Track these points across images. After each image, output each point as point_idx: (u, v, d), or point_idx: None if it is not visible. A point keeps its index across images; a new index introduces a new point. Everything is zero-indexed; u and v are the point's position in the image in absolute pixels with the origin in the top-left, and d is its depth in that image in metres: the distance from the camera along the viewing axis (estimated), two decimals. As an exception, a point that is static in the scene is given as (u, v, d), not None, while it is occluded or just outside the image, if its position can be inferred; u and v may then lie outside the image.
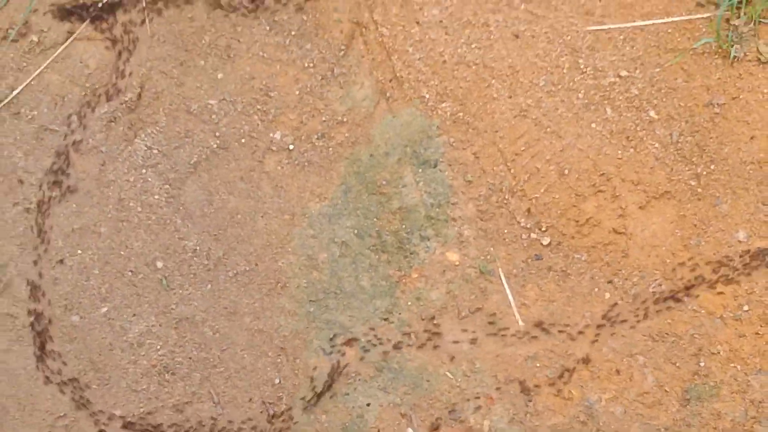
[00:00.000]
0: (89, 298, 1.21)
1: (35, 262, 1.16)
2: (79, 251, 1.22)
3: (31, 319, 1.14)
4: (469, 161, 1.23)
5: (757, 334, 1.17)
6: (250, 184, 1.23)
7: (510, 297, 1.19)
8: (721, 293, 1.16)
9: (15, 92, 1.20)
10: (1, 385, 1.16)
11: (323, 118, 1.23)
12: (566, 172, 1.21)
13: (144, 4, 1.21)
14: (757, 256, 1.17)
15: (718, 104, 1.20)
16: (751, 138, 1.20)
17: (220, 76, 1.22)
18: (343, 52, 1.23)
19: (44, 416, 1.16)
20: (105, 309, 1.19)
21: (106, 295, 1.20)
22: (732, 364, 1.16)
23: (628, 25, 1.22)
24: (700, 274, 1.17)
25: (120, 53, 1.20)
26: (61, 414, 1.17)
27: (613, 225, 1.21)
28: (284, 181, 1.22)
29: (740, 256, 1.15)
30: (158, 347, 1.18)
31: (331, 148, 1.22)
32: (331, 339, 1.17)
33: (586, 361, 1.17)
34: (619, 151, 1.21)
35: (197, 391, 1.18)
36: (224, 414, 1.17)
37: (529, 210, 1.19)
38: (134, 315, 1.19)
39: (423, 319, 1.19)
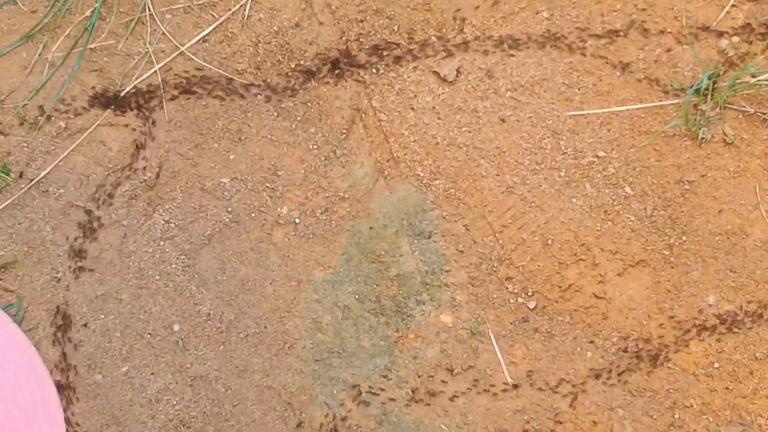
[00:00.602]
0: (111, 359, 2.12)
1: (60, 327, 2.14)
2: (102, 316, 2.13)
3: (57, 375, 2.10)
4: (461, 233, 2.20)
5: (726, 389, 2.12)
6: (260, 254, 2.17)
7: (499, 356, 2.13)
8: (693, 352, 2.13)
9: (44, 173, 2.17)
10: None
11: (326, 195, 2.20)
12: (550, 242, 2.19)
13: (162, 93, 2.23)
14: (725, 319, 2.15)
15: (688, 181, 2.20)
16: (719, 212, 2.19)
17: (231, 156, 2.20)
18: (344, 135, 2.23)
19: None
20: (125, 368, 2.11)
21: (127, 356, 2.11)
22: (704, 416, 2.11)
23: (605, 110, 2.23)
24: (674, 335, 2.15)
25: (140, 137, 2.21)
26: None
27: (593, 290, 2.17)
28: (291, 251, 2.17)
29: (710, 319, 2.15)
30: (174, 403, 2.10)
31: (333, 222, 2.19)
32: (334, 394, 2.11)
33: (571, 413, 2.13)
34: (598, 224, 2.20)
35: None
36: None
37: (516, 277, 2.18)
38: (152, 373, 2.11)
39: (419, 376, 2.13)
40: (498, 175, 2.24)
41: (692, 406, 2.15)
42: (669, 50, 2.27)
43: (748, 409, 2.14)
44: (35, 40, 2.31)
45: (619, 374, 2.16)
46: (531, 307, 2.19)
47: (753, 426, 2.14)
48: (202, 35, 2.30)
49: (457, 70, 2.30)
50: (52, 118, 2.27)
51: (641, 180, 2.24)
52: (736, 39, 2.29)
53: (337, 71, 2.30)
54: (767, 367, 2.15)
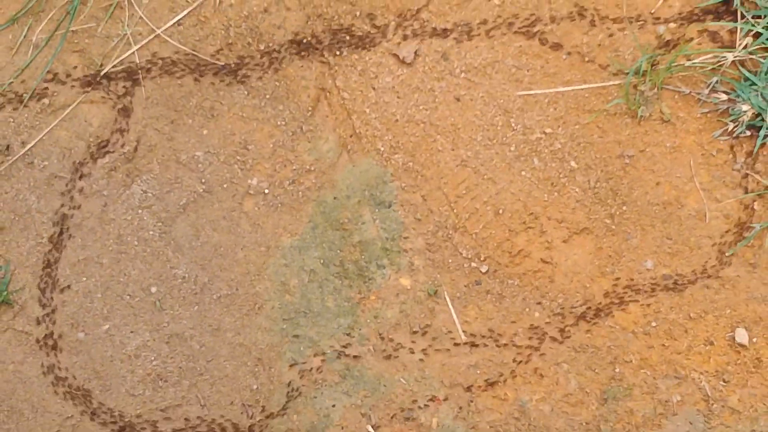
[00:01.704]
0: (92, 318, 2.29)
1: (45, 288, 2.32)
2: (84, 278, 2.31)
3: (41, 334, 2.28)
4: (419, 203, 2.39)
5: (663, 345, 2.32)
6: (231, 222, 2.35)
7: (454, 315, 2.34)
8: (631, 312, 2.34)
9: (29, 146, 2.35)
10: (17, 392, 2.22)
11: (294, 167, 2.39)
12: (501, 211, 2.39)
13: (139, 72, 2.40)
14: (661, 282, 2.35)
15: (628, 156, 2.41)
16: (657, 184, 2.39)
17: (205, 132, 2.38)
18: (310, 113, 2.42)
19: (54, 417, 2.22)
20: (106, 327, 2.29)
21: (108, 315, 2.29)
22: (642, 370, 2.31)
23: (552, 90, 2.43)
24: (615, 297, 2.36)
25: (119, 113, 2.38)
26: (69, 415, 2.23)
27: (540, 256, 2.37)
28: (260, 219, 2.36)
29: (648, 282, 2.36)
30: (152, 359, 2.28)
31: (300, 192, 2.38)
32: (301, 351, 2.30)
33: (519, 368, 2.35)
34: (545, 195, 2.39)
35: (186, 395, 2.26)
36: (209, 414, 2.25)
37: (469, 243, 2.40)
38: (131, 332, 2.29)
39: (380, 334, 2.33)
40: (453, 149, 2.50)
41: (631, 361, 2.40)
42: (611, 35, 2.53)
43: (683, 364, 2.40)
44: (20, 23, 2.52)
45: (563, 332, 2.42)
46: (483, 271, 2.44)
47: (687, 379, 2.39)
48: (176, 19, 2.53)
49: (415, 53, 2.55)
50: (37, 96, 2.50)
51: (585, 155, 2.50)
52: (672, 25, 2.55)
53: (303, 53, 2.54)
54: (700, 326, 2.42)
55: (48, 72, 2.51)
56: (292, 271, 2.41)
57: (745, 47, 2.50)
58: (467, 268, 2.44)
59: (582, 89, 2.53)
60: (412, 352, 2.39)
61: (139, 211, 2.43)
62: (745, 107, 2.49)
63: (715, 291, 2.42)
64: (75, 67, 2.50)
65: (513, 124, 2.50)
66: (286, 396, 2.36)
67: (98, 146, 2.47)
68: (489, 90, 2.52)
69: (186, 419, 2.34)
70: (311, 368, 2.38)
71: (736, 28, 2.51)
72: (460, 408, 2.37)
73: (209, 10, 2.54)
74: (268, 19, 2.54)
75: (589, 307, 2.42)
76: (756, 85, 2.49)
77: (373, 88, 2.52)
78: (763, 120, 2.48)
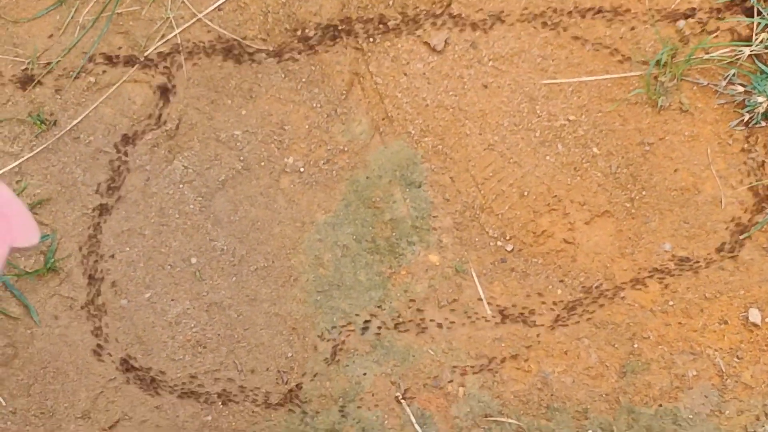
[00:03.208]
0: (135, 286, 2.43)
1: (90, 257, 2.48)
2: (127, 248, 2.45)
3: (86, 300, 2.44)
4: (447, 184, 2.56)
5: (679, 323, 2.48)
6: (268, 198, 2.50)
7: (480, 291, 2.51)
8: (650, 291, 2.51)
9: (75, 122, 2.49)
10: (63, 354, 2.34)
11: (328, 147, 2.55)
12: (526, 194, 2.56)
13: (181, 54, 2.55)
14: (679, 263, 2.52)
15: (648, 143, 2.59)
16: (675, 171, 2.56)
17: (243, 112, 2.54)
18: (344, 96, 2.59)
19: (97, 379, 2.35)
20: (148, 295, 2.44)
21: (149, 284, 2.44)
22: (660, 346, 2.48)
23: (575, 80, 2.61)
24: (634, 276, 2.52)
25: (161, 92, 2.53)
26: (112, 377, 2.37)
27: (563, 236, 2.54)
28: (296, 196, 2.51)
29: (666, 263, 2.54)
30: (192, 326, 2.44)
31: (334, 171, 2.54)
32: (334, 321, 2.46)
33: (542, 342, 2.52)
34: (569, 179, 2.56)
35: (224, 361, 2.40)
36: (246, 380, 2.40)
37: (495, 223, 2.58)
38: (172, 300, 2.44)
39: (409, 308, 2.49)
40: (480, 134, 2.75)
41: (649, 337, 2.64)
42: (633, 28, 2.78)
43: (698, 341, 2.65)
44: (68, 4, 2.73)
45: (585, 309, 2.67)
46: (508, 249, 2.69)
47: (702, 356, 2.64)
48: (217, 4, 2.77)
49: (445, 41, 2.80)
50: (83, 74, 2.75)
51: (607, 141, 2.75)
52: (691, 20, 2.81)
53: (338, 39, 2.79)
54: (715, 306, 2.66)
55: (94, 51, 2.74)
56: (325, 246, 2.65)
57: (761, 42, 2.75)
58: (493, 246, 2.67)
59: (604, 79, 2.77)
60: (440, 326, 2.64)
61: (180, 185, 2.66)
62: (760, 99, 2.74)
63: (729, 273, 2.66)
64: (120, 48, 2.73)
65: (538, 111, 2.75)
66: (319, 364, 2.60)
67: (141, 123, 2.71)
68: (515, 78, 2.77)
69: (224, 385, 2.57)
70: (343, 338, 2.62)
71: (753, 23, 2.78)
72: (486, 378, 2.61)
73: (249, -4, 2.78)
74: (305, 6, 2.79)
75: (610, 286, 2.67)
76: (771, 78, 2.73)
77: (405, 74, 2.76)
78: (778, 112, 2.72)
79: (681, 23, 2.73)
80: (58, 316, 2.50)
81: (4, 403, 2.40)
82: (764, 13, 2.69)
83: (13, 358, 2.48)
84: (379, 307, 2.54)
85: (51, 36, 2.69)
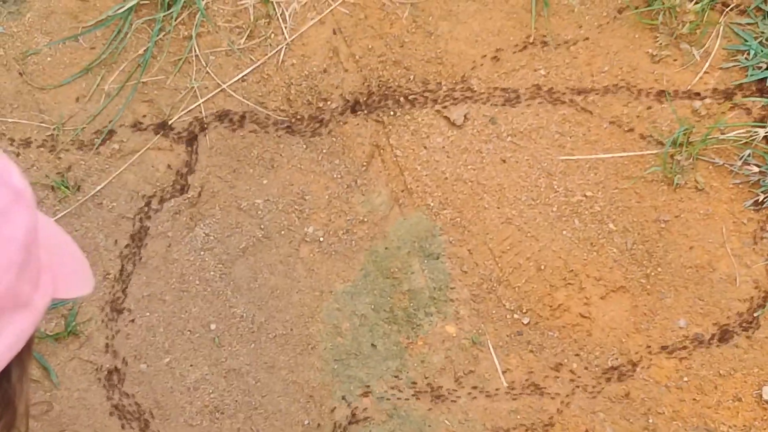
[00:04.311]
0: (155, 351, 2.49)
1: (110, 322, 2.56)
2: (147, 313, 2.50)
3: (106, 364, 2.48)
4: (465, 256, 2.64)
5: (694, 399, 2.51)
6: (288, 266, 2.57)
7: (496, 363, 2.58)
8: (664, 367, 2.57)
9: (98, 187, 2.56)
10: (81, 418, 2.36)
11: (348, 218, 2.64)
12: (542, 267, 2.64)
13: (204, 123, 2.63)
14: (694, 340, 2.57)
15: (663, 220, 2.67)
16: (690, 248, 2.65)
17: (265, 181, 2.61)
18: (364, 168, 2.67)
19: None
20: (167, 359, 2.49)
21: (169, 349, 2.50)
22: (674, 422, 2.53)
23: (592, 156, 2.70)
24: (649, 352, 2.58)
25: (184, 161, 2.61)
26: None
27: (579, 311, 2.61)
28: (315, 265, 2.57)
29: (681, 339, 2.61)
30: (210, 391, 2.49)
31: (353, 241, 2.62)
32: (351, 390, 2.52)
33: (558, 415, 2.59)
34: (585, 254, 2.64)
35: (242, 427, 2.44)
36: None
37: (512, 296, 2.68)
38: (191, 365, 2.49)
39: (426, 378, 2.54)
40: (498, 207, 2.90)
41: (664, 413, 2.77)
42: (649, 108, 2.95)
43: (712, 417, 2.77)
44: (93, 72, 2.88)
45: (600, 384, 2.81)
46: (525, 322, 2.82)
47: (716, 432, 2.76)
48: (241, 75, 2.94)
49: (465, 116, 2.95)
50: (107, 141, 2.92)
51: (623, 218, 2.90)
52: (707, 100, 2.98)
53: (359, 112, 2.95)
54: (729, 383, 2.80)
55: (119, 119, 2.91)
56: (344, 314, 2.79)
57: (766, 125, 2.94)
58: (510, 319, 2.82)
59: (621, 157, 2.93)
60: (457, 397, 2.77)
61: (201, 252, 2.80)
62: (774, 179, 2.88)
63: (744, 350, 2.79)
64: (144, 116, 2.87)
65: (555, 187, 2.90)
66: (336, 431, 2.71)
67: (164, 191, 2.87)
68: (533, 153, 2.93)
69: (240, 450, 2.68)
70: (360, 407, 2.75)
71: (768, 105, 2.92)
72: (501, 451, 2.72)
73: (272, 69, 2.95)
74: (327, 79, 2.96)
75: (625, 361, 2.82)
76: (786, 158, 2.89)
77: (425, 147, 2.92)
78: (791, 192, 2.88)
79: (697, 103, 2.89)
80: (77, 379, 2.64)
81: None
82: (779, 95, 2.84)
83: (32, 422, 2.61)
84: (395, 376, 2.67)
85: (77, 101, 2.84)
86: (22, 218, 1.18)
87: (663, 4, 2.86)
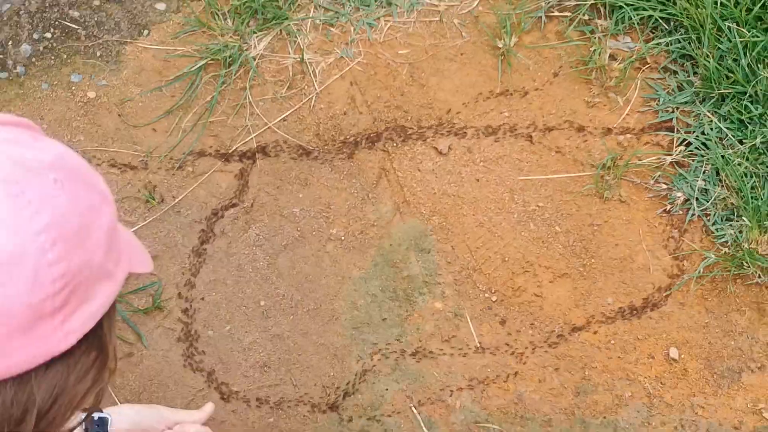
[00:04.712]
0: (219, 321, 2.51)
1: (186, 299, 2.60)
2: (213, 293, 2.53)
3: (182, 330, 2.55)
4: (449, 251, 2.67)
5: (618, 357, 2.44)
6: (317, 258, 2.60)
7: (472, 330, 2.60)
8: (597, 333, 2.60)
9: (176, 200, 2.61)
10: (164, 371, 2.32)
11: (362, 222, 2.67)
12: (506, 259, 2.66)
13: (255, 152, 2.67)
14: (618, 313, 2.57)
15: (596, 224, 2.66)
16: (616, 245, 2.65)
17: (300, 195, 2.63)
18: (374, 185, 2.71)
19: (189, 389, 2.42)
20: (228, 327, 2.54)
21: (229, 319, 2.53)
22: (604, 374, 2.52)
23: (543, 177, 2.67)
24: (586, 322, 2.61)
25: (241, 180, 2.65)
26: (200, 389, 2.44)
27: (534, 291, 2.63)
28: (338, 257, 2.61)
29: (609, 312, 2.62)
30: (260, 351, 2.51)
31: (366, 240, 2.65)
32: (365, 350, 2.56)
33: (518, 369, 2.62)
34: (538, 249, 2.66)
35: (283, 377, 2.47)
36: (299, 392, 2.46)
37: (484, 281, 2.71)
38: (246, 332, 2.52)
39: (420, 341, 2.57)
40: (474, 215, 2.96)
41: (596, 367, 2.81)
42: (585, 140, 3.00)
43: (632, 370, 2.81)
44: (173, 114, 2.94)
45: (549, 345, 2.86)
46: (493, 300, 2.87)
47: (635, 382, 2.78)
48: (282, 117, 2.98)
49: (449, 147, 3.02)
50: (184, 165, 2.97)
51: (566, 222, 2.96)
52: (628, 135, 3.04)
53: (370, 144, 3.02)
54: (644, 345, 2.84)
55: (192, 149, 2.97)
56: (359, 294, 2.84)
57: (678, 152, 3.00)
58: (482, 297, 2.86)
59: (564, 177, 2.99)
60: (443, 355, 2.83)
61: (253, 248, 2.85)
62: (678, 194, 2.94)
63: (655, 321, 2.83)
64: (210, 146, 2.93)
65: (516, 199, 2.95)
66: (353, 381, 2.79)
67: (225, 202, 2.92)
68: (499, 175, 2.99)
69: (283, 395, 2.75)
70: (371, 363, 2.80)
71: (673, 138, 3.02)
72: (476, 395, 2.80)
73: (306, 111, 3.00)
74: (346, 120, 3.01)
75: (568, 329, 2.87)
76: (687, 178, 2.97)
77: (419, 170, 2.98)
78: (691, 203, 2.96)
79: (621, 138, 2.94)
80: (161, 342, 2.70)
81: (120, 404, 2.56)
82: (681, 132, 2.92)
83: (127, 374, 2.66)
84: (397, 340, 2.71)
85: (162, 136, 2.90)
86: (108, 214, 1.21)
87: (595, 64, 2.91)
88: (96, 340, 1.24)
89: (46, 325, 1.11)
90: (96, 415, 2.20)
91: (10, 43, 2.78)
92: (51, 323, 1.12)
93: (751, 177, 2.72)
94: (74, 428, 1.53)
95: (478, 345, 2.73)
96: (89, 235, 1.16)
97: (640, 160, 2.91)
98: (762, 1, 2.76)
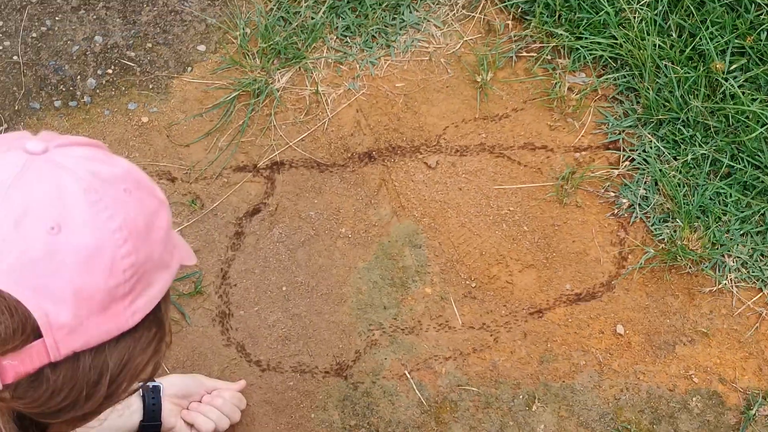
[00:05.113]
0: (248, 303, 2.76)
1: (221, 285, 2.91)
2: (244, 280, 2.76)
3: (218, 311, 2.81)
4: (437, 246, 2.93)
5: (575, 333, 2.72)
6: (330, 252, 2.86)
7: (456, 311, 2.87)
8: (557, 313, 2.84)
9: (214, 205, 2.87)
10: (203, 343, 2.54)
11: (366, 223, 2.94)
12: (483, 253, 2.90)
13: (279, 166, 2.88)
14: (575, 297, 2.80)
15: (557, 225, 2.90)
16: (573, 242, 2.89)
17: (315, 201, 2.87)
18: (376, 193, 2.98)
19: (224, 359, 2.66)
20: (256, 308, 2.78)
21: (257, 302, 2.77)
22: (563, 346, 2.74)
23: (514, 186, 2.87)
24: (548, 304, 2.86)
25: (266, 188, 2.90)
26: (234, 358, 2.69)
27: (506, 279, 2.88)
28: (346, 251, 2.87)
29: (567, 296, 2.87)
30: (282, 328, 2.74)
31: (369, 237, 2.91)
32: (368, 327, 2.81)
33: (493, 342, 2.90)
34: (509, 245, 2.93)
35: (301, 349, 2.71)
36: (314, 361, 2.72)
37: (465, 270, 2.98)
38: (270, 312, 2.77)
39: (413, 320, 2.81)
40: (457, 217, 3.30)
41: (557, 341, 3.13)
42: (548, 157, 3.34)
43: (586, 344, 3.13)
44: (211, 135, 3.16)
45: (518, 323, 3.19)
46: (473, 286, 3.20)
47: (588, 352, 3.11)
48: (300, 137, 3.28)
49: (437, 162, 3.33)
50: (220, 177, 3.31)
51: (532, 223, 3.30)
52: (583, 153, 3.38)
53: (372, 160, 3.36)
54: (596, 322, 3.15)
55: (227, 164, 3.28)
56: (363, 281, 3.15)
57: (624, 167, 3.33)
58: (464, 284, 3.18)
59: (531, 186, 3.33)
60: (430, 330, 3.14)
61: (277, 244, 3.17)
62: (624, 200, 3.25)
63: (605, 303, 3.12)
64: (242, 162, 3.25)
65: (491, 205, 3.28)
66: (358, 352, 3.10)
67: (254, 207, 3.25)
68: (478, 185, 3.32)
69: (301, 363, 3.07)
70: (372, 338, 3.11)
71: (620, 155, 3.36)
72: (459, 363, 3.11)
73: (320, 133, 3.32)
74: (353, 140, 3.35)
75: (534, 309, 3.19)
76: (631, 188, 3.30)
77: (412, 181, 3.30)
78: (634, 208, 3.29)
79: (577, 154, 3.26)
80: (201, 320, 2.99)
81: (168, 372, 2.88)
82: (627, 150, 3.24)
83: (174, 346, 2.96)
84: (395, 319, 3.00)
85: (202, 152, 3.20)
86: (165, 216, 1.30)
87: (556, 95, 3.23)
88: (155, 318, 1.34)
89: (117, 306, 1.18)
90: (150, 384, 2.45)
91: (78, 77, 3.13)
92: (122, 305, 1.20)
93: (684, 187, 3.06)
94: (133, 393, 1.68)
95: (461, 323, 2.91)
96: (152, 233, 1.23)
97: (593, 172, 3.17)
98: (692, 44, 3.12)
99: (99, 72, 3.11)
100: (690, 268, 2.90)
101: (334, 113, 3.23)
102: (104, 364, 1.19)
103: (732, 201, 2.90)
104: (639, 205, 3.09)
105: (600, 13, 3.05)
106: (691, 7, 3.02)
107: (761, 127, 2.89)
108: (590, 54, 3.11)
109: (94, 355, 1.18)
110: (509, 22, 3.24)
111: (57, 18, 3.12)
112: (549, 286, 3.06)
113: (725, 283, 2.87)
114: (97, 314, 1.16)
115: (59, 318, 1.11)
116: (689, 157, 2.95)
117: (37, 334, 1.11)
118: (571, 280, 3.07)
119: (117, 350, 1.22)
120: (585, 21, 3.06)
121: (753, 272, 2.88)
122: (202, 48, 3.10)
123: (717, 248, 2.87)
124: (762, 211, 2.89)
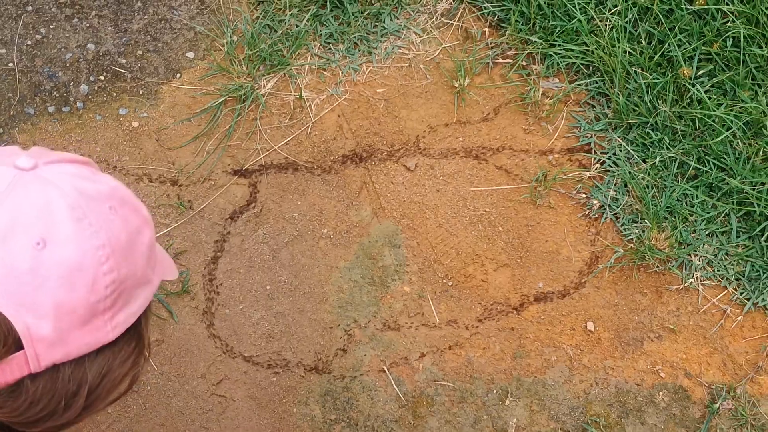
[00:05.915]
0: (233, 302, 2.49)
1: (208, 284, 2.63)
2: (229, 280, 2.51)
3: (204, 309, 2.53)
4: (415, 246, 2.66)
5: (547, 329, 2.46)
6: (312, 252, 2.59)
7: (433, 308, 2.60)
8: (530, 310, 2.60)
9: (202, 206, 2.58)
10: (190, 341, 2.29)
11: (347, 224, 2.66)
12: (460, 253, 2.63)
13: (264, 169, 2.62)
14: (547, 294, 2.56)
15: (531, 225, 2.64)
16: (546, 241, 2.62)
17: (299, 202, 2.61)
18: (357, 195, 2.70)
19: (210, 355, 2.39)
20: (241, 307, 2.51)
21: (241, 300, 2.51)
22: (536, 342, 2.52)
23: (489, 188, 2.64)
24: (522, 302, 2.60)
25: (252, 191, 2.63)
26: (219, 355, 2.42)
27: (481, 278, 2.61)
28: (328, 251, 2.60)
29: (540, 294, 2.61)
30: (266, 325, 2.48)
31: (350, 237, 2.63)
32: (348, 324, 2.54)
33: (468, 339, 2.61)
34: (484, 244, 2.64)
35: (284, 346, 2.46)
36: (297, 357, 2.45)
37: (442, 269, 2.69)
38: (255, 310, 2.50)
39: (392, 317, 2.56)
40: (435, 218, 2.97)
41: (530, 337, 2.83)
42: (523, 159, 3.02)
43: (558, 339, 2.84)
44: (199, 140, 2.95)
45: (493, 320, 2.87)
46: (450, 284, 2.89)
47: (560, 348, 2.81)
48: (285, 141, 3.00)
49: (416, 164, 3.03)
50: (207, 179, 2.97)
51: (507, 224, 2.97)
52: (556, 155, 3.06)
53: (354, 162, 3.03)
54: (567, 319, 2.85)
55: (214, 167, 2.97)
56: (344, 280, 2.85)
57: (595, 169, 2.99)
58: (441, 282, 2.88)
59: (506, 188, 3.02)
60: (409, 327, 2.83)
61: (262, 244, 2.86)
62: (595, 201, 2.96)
63: (576, 300, 2.86)
64: (228, 165, 2.95)
65: (468, 206, 2.97)
66: (339, 349, 2.79)
67: (240, 208, 2.92)
68: (455, 186, 3.00)
69: (284, 359, 2.76)
70: (353, 334, 2.81)
71: (591, 158, 3.03)
72: (435, 359, 2.80)
73: (303, 137, 3.01)
74: (335, 143, 3.02)
75: (508, 307, 2.88)
76: (602, 189, 2.98)
77: (392, 183, 2.99)
78: (605, 209, 2.97)
79: (550, 157, 2.96)
80: (188, 318, 2.71)
81: (156, 368, 2.60)
82: (598, 153, 2.92)
83: (162, 343, 2.67)
84: (374, 316, 2.73)
85: (190, 156, 2.91)
86: (148, 233, 1.24)
87: (531, 100, 2.93)
88: (136, 332, 1.26)
89: (98, 321, 1.14)
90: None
91: (71, 83, 2.79)
92: (102, 319, 1.15)
93: (652, 189, 2.73)
94: (111, 404, 1.61)
95: (437, 320, 2.62)
96: (134, 251, 1.18)
97: (565, 175, 2.90)
98: (661, 51, 2.77)
99: (91, 78, 2.78)
100: (658, 266, 2.61)
101: (317, 118, 2.94)
102: (83, 375, 1.13)
103: (698, 202, 2.59)
104: (609, 206, 2.82)
105: (572, 21, 2.71)
106: (660, 15, 2.69)
107: (726, 130, 2.58)
108: (563, 60, 2.79)
109: (74, 366, 1.12)
110: (486, 29, 2.90)
111: (51, 26, 2.78)
112: (522, 285, 2.79)
113: (691, 282, 2.57)
114: (78, 328, 1.10)
115: (40, 331, 1.05)
116: (657, 159, 2.64)
117: (18, 345, 1.05)
118: (544, 279, 2.80)
119: (96, 362, 1.16)
120: (558, 29, 2.73)
121: (718, 271, 2.58)
122: (190, 55, 2.78)
123: (684, 248, 2.56)
124: (727, 212, 2.58)
